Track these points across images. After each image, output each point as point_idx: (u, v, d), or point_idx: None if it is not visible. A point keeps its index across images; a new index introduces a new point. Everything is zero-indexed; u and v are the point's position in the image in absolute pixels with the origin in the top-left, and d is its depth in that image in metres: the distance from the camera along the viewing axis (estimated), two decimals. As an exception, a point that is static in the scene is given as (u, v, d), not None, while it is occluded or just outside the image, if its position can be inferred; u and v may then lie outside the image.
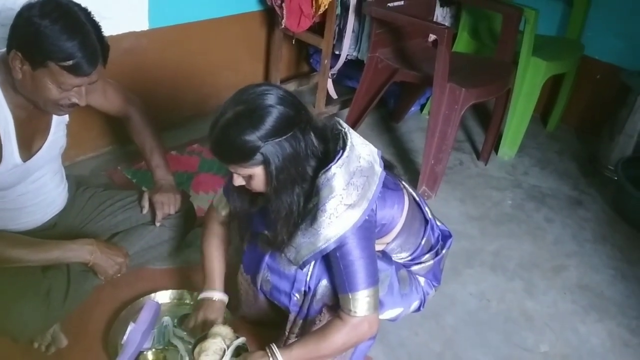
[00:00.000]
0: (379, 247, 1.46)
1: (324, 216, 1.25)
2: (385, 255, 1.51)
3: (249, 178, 1.28)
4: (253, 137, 1.19)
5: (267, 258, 1.49)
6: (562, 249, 2.34)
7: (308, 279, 1.43)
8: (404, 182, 1.56)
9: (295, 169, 1.24)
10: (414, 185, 2.47)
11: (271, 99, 1.21)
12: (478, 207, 2.53)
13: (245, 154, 1.21)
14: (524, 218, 2.50)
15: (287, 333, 1.53)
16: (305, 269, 1.41)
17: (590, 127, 3.16)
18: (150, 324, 1.64)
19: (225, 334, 1.42)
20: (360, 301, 1.31)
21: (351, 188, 1.26)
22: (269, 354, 1.34)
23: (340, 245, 1.28)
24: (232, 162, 1.26)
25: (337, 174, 1.24)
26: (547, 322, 1.96)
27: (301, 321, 1.49)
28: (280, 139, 1.20)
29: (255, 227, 1.50)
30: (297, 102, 1.26)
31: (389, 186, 1.41)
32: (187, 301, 1.78)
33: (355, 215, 1.27)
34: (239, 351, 1.40)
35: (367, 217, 1.29)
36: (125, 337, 1.59)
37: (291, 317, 1.51)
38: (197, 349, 1.39)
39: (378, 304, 1.36)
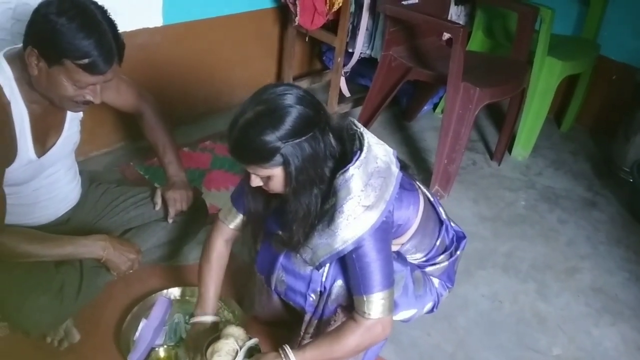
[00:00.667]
0: (394, 247, 1.45)
1: (341, 217, 1.24)
2: (400, 256, 1.50)
3: (268, 179, 1.26)
4: (273, 138, 1.17)
5: (281, 258, 1.48)
6: (576, 250, 2.32)
7: (324, 280, 1.42)
8: (418, 183, 1.55)
9: (314, 170, 1.23)
10: (427, 185, 2.46)
11: (291, 98, 1.20)
12: (491, 207, 2.52)
13: (265, 155, 1.20)
14: (537, 219, 2.48)
15: (302, 333, 1.52)
16: (320, 270, 1.40)
17: (605, 128, 3.12)
18: (162, 320, 1.65)
19: (238, 334, 1.42)
20: (375, 303, 1.30)
21: (369, 189, 1.25)
22: (282, 356, 1.33)
23: (357, 247, 1.27)
24: (252, 163, 1.24)
25: (355, 175, 1.23)
26: (560, 325, 1.94)
27: (316, 321, 1.48)
28: (300, 139, 1.19)
29: (269, 227, 1.49)
30: (316, 102, 1.25)
31: (405, 187, 1.40)
32: (199, 298, 1.79)
33: (373, 217, 1.26)
34: (251, 352, 1.40)
35: (384, 219, 1.28)
36: (137, 333, 1.61)
37: (307, 317, 1.50)
38: (209, 350, 1.38)
39: (392, 307, 1.35)
